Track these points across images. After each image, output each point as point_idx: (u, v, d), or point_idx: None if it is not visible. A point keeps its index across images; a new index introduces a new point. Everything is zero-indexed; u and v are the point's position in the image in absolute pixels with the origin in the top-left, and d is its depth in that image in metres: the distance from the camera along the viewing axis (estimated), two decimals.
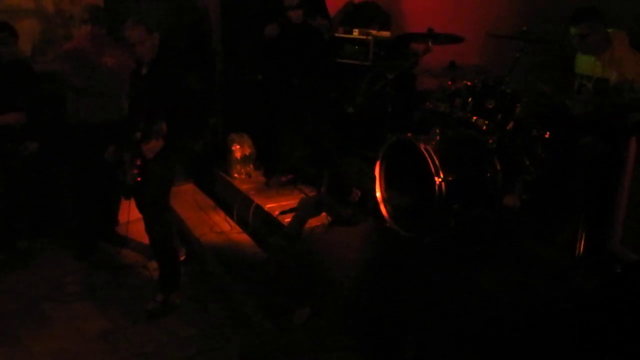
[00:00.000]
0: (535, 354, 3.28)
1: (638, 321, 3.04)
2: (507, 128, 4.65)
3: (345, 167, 3.57)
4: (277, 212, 5.39)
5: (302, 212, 3.75)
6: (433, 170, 4.33)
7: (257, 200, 5.72)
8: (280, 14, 5.60)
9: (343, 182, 3.35)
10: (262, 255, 5.24)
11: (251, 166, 6.40)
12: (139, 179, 4.38)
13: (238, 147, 6.33)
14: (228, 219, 5.97)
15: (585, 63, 4.74)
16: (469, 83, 4.89)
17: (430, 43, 5.17)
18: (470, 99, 4.84)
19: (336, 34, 6.46)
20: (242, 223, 5.79)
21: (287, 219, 5.13)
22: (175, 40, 6.35)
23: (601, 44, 4.54)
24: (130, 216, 5.19)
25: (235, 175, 6.35)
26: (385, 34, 6.47)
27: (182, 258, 5.22)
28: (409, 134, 4.66)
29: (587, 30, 4.48)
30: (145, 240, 4.80)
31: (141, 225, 4.75)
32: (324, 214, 4.63)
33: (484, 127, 4.69)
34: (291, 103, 5.93)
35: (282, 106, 6.01)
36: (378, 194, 4.81)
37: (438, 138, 4.59)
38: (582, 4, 4.58)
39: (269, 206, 5.57)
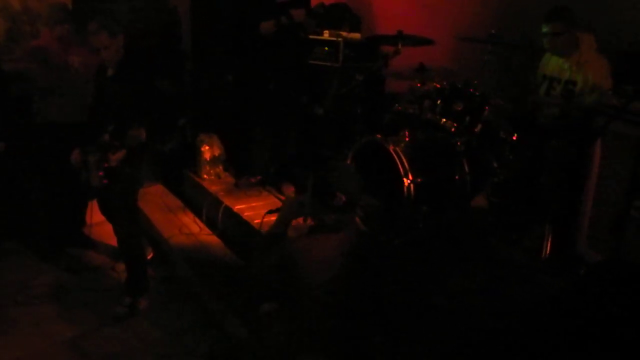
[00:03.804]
0: (502, 356, 3.31)
1: (601, 322, 3.08)
2: (475, 130, 4.68)
3: (331, 170, 3.57)
4: (246, 212, 5.41)
5: (285, 213, 3.75)
6: (402, 171, 4.36)
7: (227, 201, 5.70)
8: (278, 11, 5.56)
9: (328, 186, 3.35)
10: (232, 257, 5.23)
11: (220, 167, 6.37)
12: (105, 181, 4.33)
13: (207, 148, 6.30)
14: (197, 220, 5.94)
15: (553, 65, 4.80)
16: (437, 85, 4.92)
17: (399, 45, 5.19)
18: (439, 101, 4.87)
19: (307, 36, 6.46)
20: (211, 224, 5.76)
21: (257, 220, 5.18)
22: (144, 41, 6.32)
23: (571, 45, 4.60)
24: (95, 218, 5.14)
25: (205, 176, 6.32)
26: (356, 35, 6.47)
27: (149, 256, 5.19)
28: (379, 136, 4.68)
29: (560, 30, 4.54)
30: (112, 242, 4.77)
31: (107, 227, 4.72)
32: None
33: (453, 130, 4.72)
34: (264, 106, 5.91)
35: (254, 108, 5.98)
36: None
37: (407, 140, 4.62)
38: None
39: (238, 207, 5.55)
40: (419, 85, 5.09)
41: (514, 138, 4.53)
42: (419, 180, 4.37)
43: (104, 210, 4.83)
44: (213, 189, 6.06)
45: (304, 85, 6.24)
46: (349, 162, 4.83)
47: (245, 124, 6.12)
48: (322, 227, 3.50)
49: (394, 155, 4.42)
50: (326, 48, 6.34)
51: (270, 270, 3.53)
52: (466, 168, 4.59)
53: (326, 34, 6.39)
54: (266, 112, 5.94)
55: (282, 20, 5.51)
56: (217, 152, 6.32)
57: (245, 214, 5.43)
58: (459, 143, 4.65)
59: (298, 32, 5.87)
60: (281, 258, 3.44)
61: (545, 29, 4.60)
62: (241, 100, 6.10)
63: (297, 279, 3.38)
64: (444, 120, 4.78)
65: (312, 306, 3.38)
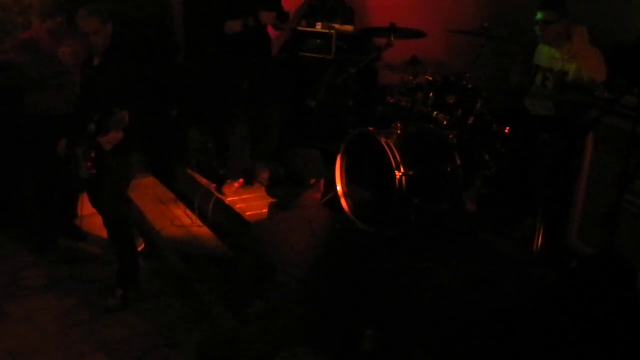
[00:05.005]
0: (494, 349, 3.32)
1: (592, 316, 3.09)
2: (468, 123, 4.68)
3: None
4: (238, 205, 5.43)
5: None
6: (394, 164, 4.35)
7: (218, 194, 5.70)
8: (249, 12, 5.48)
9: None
10: (223, 249, 5.23)
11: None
12: (93, 171, 4.32)
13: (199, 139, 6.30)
14: (189, 212, 5.93)
15: (546, 56, 4.80)
16: (430, 78, 4.92)
17: (392, 37, 5.18)
18: (431, 94, 4.87)
19: (299, 28, 6.44)
20: (203, 216, 5.75)
21: (249, 212, 5.27)
22: (136, 31, 6.28)
23: (562, 35, 4.61)
24: (87, 210, 5.12)
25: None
26: (349, 28, 6.46)
27: (140, 248, 5.18)
28: (371, 128, 4.68)
29: (554, 18, 4.55)
30: (104, 233, 4.75)
31: (98, 219, 4.70)
32: None
33: (445, 122, 4.72)
34: (239, 104, 5.82)
35: (233, 103, 5.89)
36: (339, 188, 4.83)
37: (399, 132, 4.62)
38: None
39: (230, 199, 5.55)
40: (411, 78, 5.09)
41: (507, 131, 4.53)
42: (411, 173, 4.37)
43: (93, 202, 4.82)
44: (205, 181, 6.05)
45: (290, 81, 6.17)
46: (340, 154, 4.84)
47: (226, 119, 6.04)
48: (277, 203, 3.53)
49: (386, 147, 4.41)
50: (319, 40, 6.33)
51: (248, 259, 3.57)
52: (458, 161, 4.60)
53: (319, 26, 6.38)
54: (243, 108, 5.84)
55: (249, 22, 5.48)
56: (209, 144, 6.31)
57: (237, 206, 5.43)
58: (451, 136, 4.65)
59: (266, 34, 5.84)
60: (255, 246, 3.47)
61: (538, 17, 4.61)
62: (221, 95, 6.00)
63: (275, 266, 3.40)
64: (436, 113, 4.78)
65: (298, 297, 3.39)
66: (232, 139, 5.95)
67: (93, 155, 4.31)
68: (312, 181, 3.38)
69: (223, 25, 5.52)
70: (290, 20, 6.06)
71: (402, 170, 4.33)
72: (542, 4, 4.61)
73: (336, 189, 4.81)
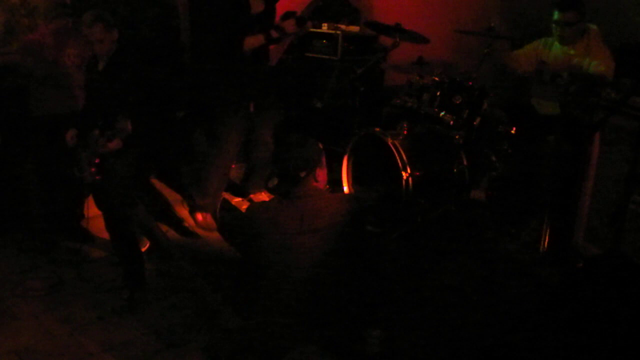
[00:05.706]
0: (499, 349, 3.31)
1: (598, 316, 3.08)
2: (474, 124, 4.68)
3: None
4: (244, 205, 5.42)
5: None
6: (400, 165, 4.35)
7: (225, 194, 5.70)
8: (266, 23, 5.09)
9: None
10: (230, 250, 5.23)
11: None
12: (97, 177, 4.32)
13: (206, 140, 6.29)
14: None
15: (556, 51, 4.76)
16: (436, 79, 4.91)
17: (398, 38, 5.17)
18: (437, 95, 4.87)
19: None
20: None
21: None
22: (141, 33, 6.29)
23: (578, 35, 4.59)
24: (92, 211, 5.12)
25: None
26: (354, 28, 6.46)
27: (144, 248, 5.18)
28: (377, 129, 4.67)
29: (573, 19, 4.53)
30: None
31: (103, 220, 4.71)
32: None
33: (451, 123, 4.72)
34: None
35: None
36: (345, 189, 4.83)
37: (405, 133, 4.62)
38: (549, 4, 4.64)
39: (235, 201, 5.56)
40: (418, 78, 5.08)
41: (513, 131, 4.52)
42: (417, 173, 4.37)
43: (99, 204, 4.82)
44: None
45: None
46: (347, 155, 4.84)
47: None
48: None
49: (393, 148, 4.41)
50: (325, 41, 6.32)
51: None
52: (464, 161, 4.60)
53: (325, 27, 6.37)
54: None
55: (272, 35, 5.01)
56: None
57: (244, 207, 5.42)
58: (457, 136, 4.65)
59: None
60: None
61: (557, 17, 4.57)
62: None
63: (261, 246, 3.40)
64: (443, 113, 4.78)
65: (303, 298, 3.39)
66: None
67: (97, 160, 4.32)
68: (302, 174, 3.33)
69: (235, 39, 5.07)
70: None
71: (409, 171, 4.33)
72: (562, 4, 4.56)
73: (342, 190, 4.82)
